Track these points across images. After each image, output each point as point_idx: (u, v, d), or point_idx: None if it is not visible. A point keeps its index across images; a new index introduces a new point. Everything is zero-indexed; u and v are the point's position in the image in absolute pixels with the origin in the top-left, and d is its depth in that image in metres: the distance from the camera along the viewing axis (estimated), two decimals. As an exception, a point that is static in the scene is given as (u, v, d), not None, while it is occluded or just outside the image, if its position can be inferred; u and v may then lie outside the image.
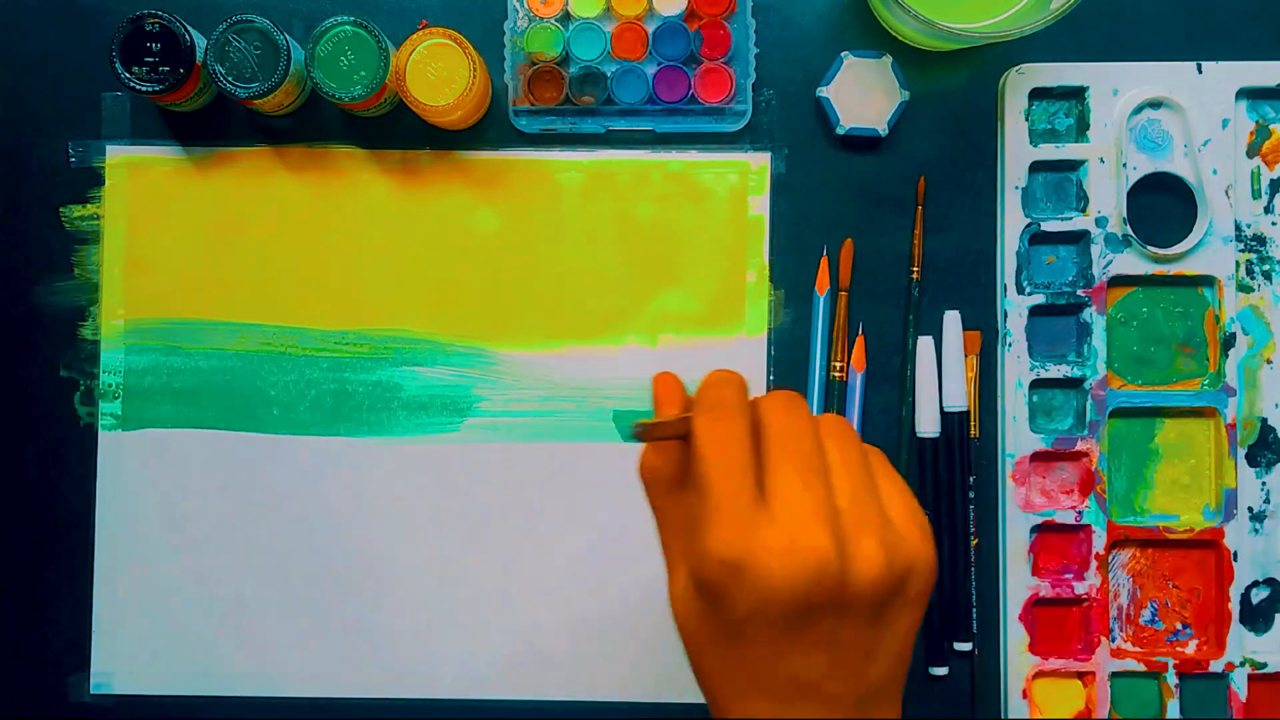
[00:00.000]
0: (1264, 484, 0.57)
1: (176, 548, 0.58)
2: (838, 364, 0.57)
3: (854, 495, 0.38)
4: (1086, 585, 0.57)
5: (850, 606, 0.37)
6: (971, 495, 0.57)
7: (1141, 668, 0.57)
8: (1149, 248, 0.57)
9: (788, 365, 0.58)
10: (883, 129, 0.57)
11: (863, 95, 0.57)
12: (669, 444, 0.41)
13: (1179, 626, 0.58)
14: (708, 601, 0.38)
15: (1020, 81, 0.57)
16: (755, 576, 0.36)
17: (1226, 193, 0.57)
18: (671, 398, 0.42)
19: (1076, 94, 0.57)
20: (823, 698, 0.38)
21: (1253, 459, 0.57)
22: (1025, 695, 0.57)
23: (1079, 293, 0.57)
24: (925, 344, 0.57)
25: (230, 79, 0.53)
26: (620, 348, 0.58)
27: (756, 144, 0.58)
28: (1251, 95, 0.57)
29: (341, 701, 0.58)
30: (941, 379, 0.57)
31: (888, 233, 0.58)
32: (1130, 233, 0.57)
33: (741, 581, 0.36)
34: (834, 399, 0.57)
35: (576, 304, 0.58)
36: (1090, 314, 0.57)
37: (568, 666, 0.58)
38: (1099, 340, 0.57)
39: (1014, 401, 0.57)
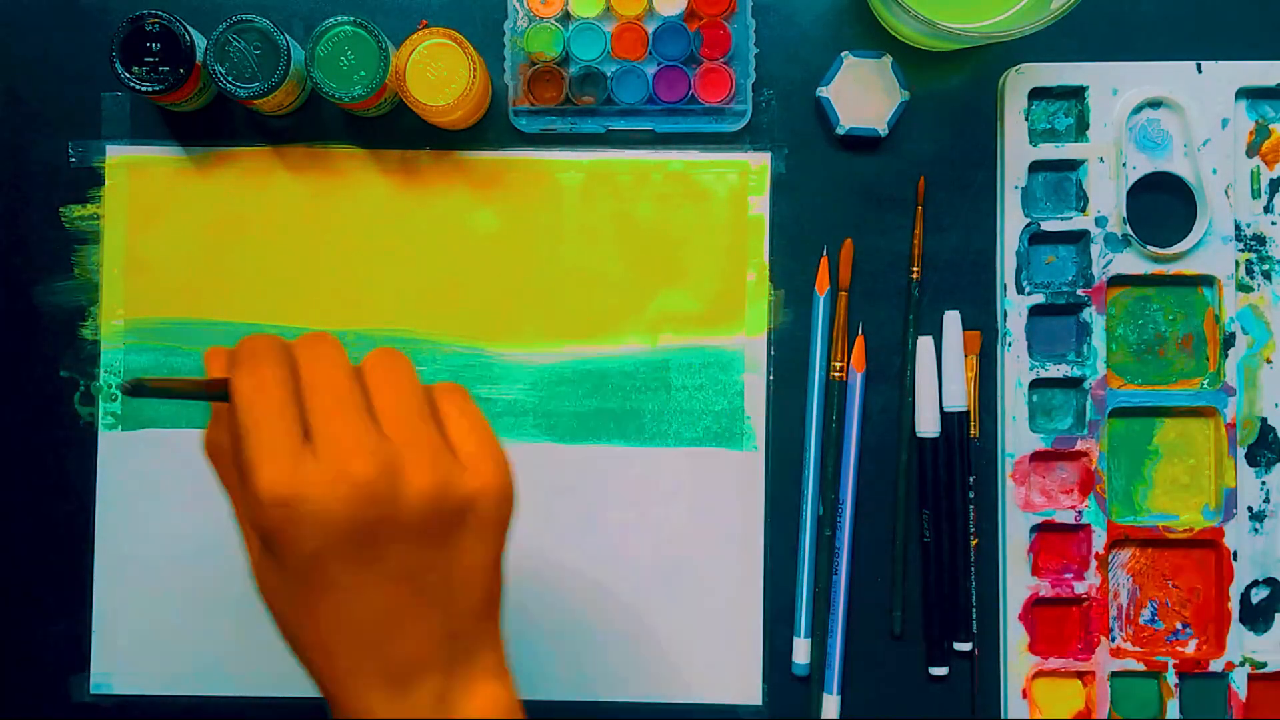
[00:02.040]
0: (1264, 483, 0.57)
1: (176, 548, 0.58)
2: (838, 364, 0.57)
3: (400, 424, 0.39)
4: (1086, 585, 0.57)
5: (410, 528, 0.38)
6: (971, 495, 0.57)
7: (1141, 667, 0.57)
8: (1149, 247, 0.57)
9: (788, 365, 0.58)
10: (883, 129, 0.57)
11: (863, 95, 0.57)
12: (229, 417, 0.41)
13: (1179, 626, 0.58)
14: (275, 552, 0.38)
15: (1020, 81, 0.57)
16: (308, 511, 0.37)
17: (1226, 192, 0.57)
18: (217, 361, 0.42)
19: (1076, 94, 0.57)
20: (415, 633, 0.39)
21: (1252, 458, 0.57)
22: (1025, 695, 0.57)
23: (1079, 292, 0.57)
24: (925, 344, 0.57)
25: (230, 79, 0.53)
26: (620, 348, 0.58)
27: (756, 144, 0.58)
28: (1251, 95, 0.57)
29: (341, 701, 0.58)
30: (941, 379, 0.57)
31: (888, 233, 0.58)
32: (1130, 232, 0.57)
33: (298, 519, 0.37)
34: (834, 399, 0.57)
35: (576, 304, 0.58)
36: (1090, 314, 0.57)
37: (568, 666, 0.58)
38: (1099, 340, 0.57)
39: (1014, 401, 0.57)
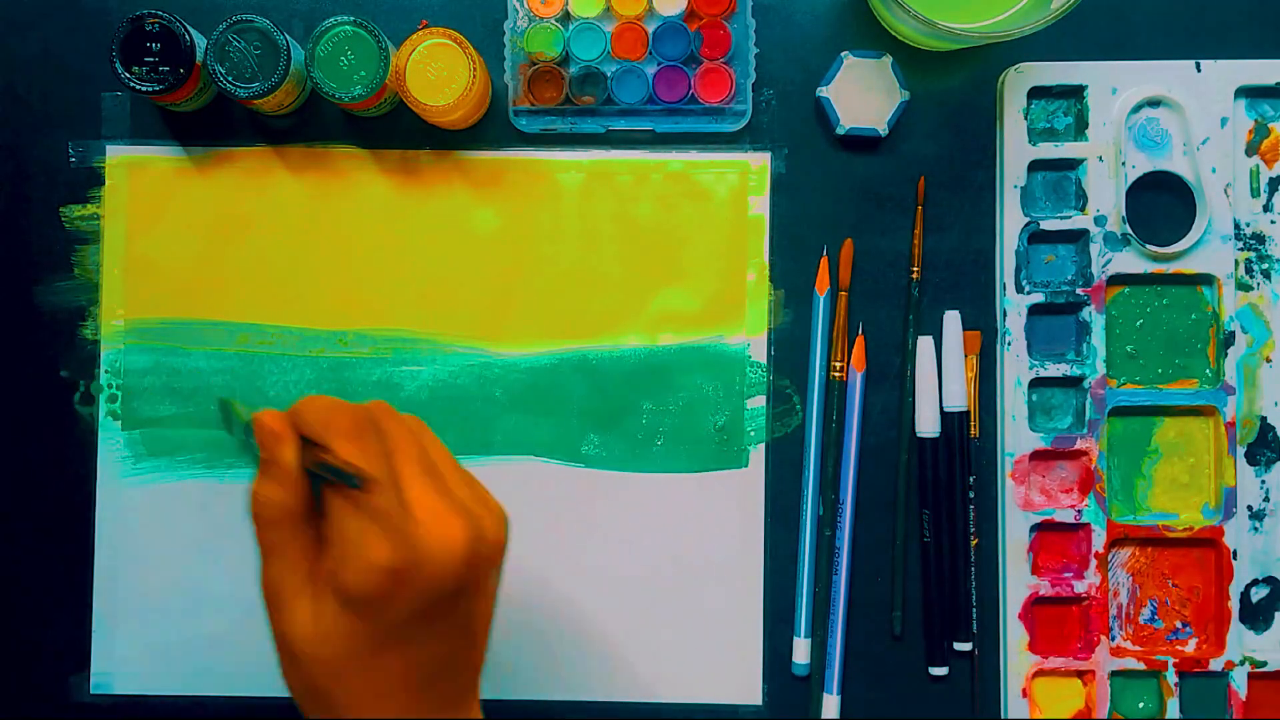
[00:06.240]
0: (1263, 482, 0.57)
1: (176, 548, 0.58)
2: (838, 364, 0.58)
3: (457, 483, 0.42)
4: (1086, 584, 0.57)
5: (482, 580, 0.41)
6: (971, 495, 0.57)
7: (1141, 666, 0.57)
8: (1148, 246, 0.57)
9: (788, 365, 0.58)
10: (883, 129, 0.57)
11: (863, 95, 0.57)
12: (291, 477, 0.42)
13: (1178, 625, 0.58)
14: (366, 615, 0.39)
15: (1019, 80, 0.57)
16: (422, 576, 0.39)
17: (1225, 191, 0.57)
18: (285, 432, 0.43)
19: (1075, 93, 0.57)
20: (461, 671, 0.42)
21: (1252, 457, 0.57)
22: (1025, 694, 0.57)
23: (1078, 291, 0.57)
24: (925, 344, 0.57)
25: (230, 79, 0.53)
26: (620, 348, 0.58)
27: (756, 144, 0.58)
28: (1250, 94, 0.58)
29: (342, 701, 0.58)
30: (941, 379, 0.57)
31: (888, 233, 0.58)
32: (1129, 231, 0.57)
33: (409, 583, 0.39)
34: (834, 399, 0.57)
35: (576, 304, 0.58)
36: (1089, 313, 0.57)
37: (568, 666, 0.58)
38: (1098, 339, 0.57)
39: (1013, 400, 0.57)
